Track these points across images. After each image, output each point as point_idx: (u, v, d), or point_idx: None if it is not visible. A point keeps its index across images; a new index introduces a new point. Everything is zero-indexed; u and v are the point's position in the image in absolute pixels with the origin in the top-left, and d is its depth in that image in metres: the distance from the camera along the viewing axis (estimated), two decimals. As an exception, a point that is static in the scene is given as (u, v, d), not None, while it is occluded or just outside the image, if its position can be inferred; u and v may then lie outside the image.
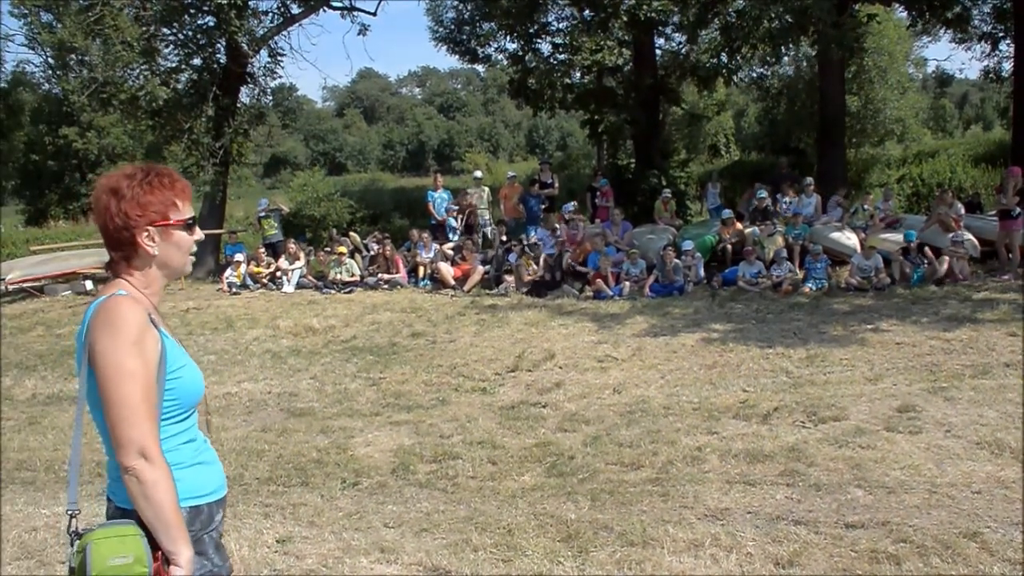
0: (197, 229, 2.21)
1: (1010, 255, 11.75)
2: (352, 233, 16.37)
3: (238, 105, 17.90)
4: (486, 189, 16.53)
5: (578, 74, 19.45)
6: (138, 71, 16.34)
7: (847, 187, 16.46)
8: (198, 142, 16.66)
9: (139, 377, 1.92)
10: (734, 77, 20.14)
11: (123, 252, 2.08)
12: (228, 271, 14.83)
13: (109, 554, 1.84)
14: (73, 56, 19.05)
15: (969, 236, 12.08)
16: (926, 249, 11.61)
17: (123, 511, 2.00)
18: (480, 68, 27.35)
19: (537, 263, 13.18)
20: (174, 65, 17.39)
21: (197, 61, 17.48)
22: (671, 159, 19.83)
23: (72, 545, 1.90)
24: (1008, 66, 19.37)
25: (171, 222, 2.10)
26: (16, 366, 9.98)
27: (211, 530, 2.13)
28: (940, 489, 4.78)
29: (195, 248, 2.21)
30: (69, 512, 1.98)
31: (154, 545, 1.92)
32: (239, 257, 14.73)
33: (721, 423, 6.30)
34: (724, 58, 18.42)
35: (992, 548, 4.02)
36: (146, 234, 2.07)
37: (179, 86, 17.39)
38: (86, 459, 6.28)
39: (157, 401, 1.98)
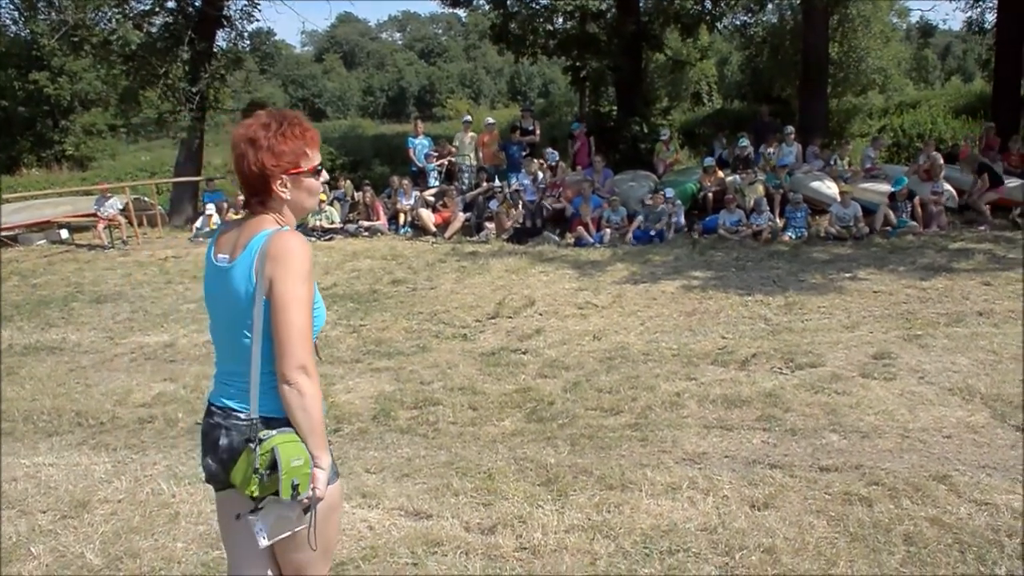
0: (324, 172, 2.40)
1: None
2: (348, 180, 16.08)
3: (214, 49, 17.52)
4: (474, 134, 16.33)
5: (561, 19, 19.14)
6: (110, 14, 15.92)
7: (825, 136, 16.44)
8: (174, 87, 16.35)
9: (306, 305, 2.17)
10: (717, 24, 19.96)
11: (259, 197, 2.29)
12: (200, 221, 14.68)
13: (291, 456, 2.13)
14: (42, -3, 18.45)
15: (948, 187, 12.15)
16: (916, 199, 11.64)
17: (266, 420, 2.22)
18: (462, 13, 26.85)
19: (518, 210, 13.14)
20: (147, 7, 16.94)
21: (171, 3, 17.06)
22: (653, 106, 19.68)
23: (255, 448, 2.15)
24: (991, 17, 19.25)
25: (302, 170, 2.29)
26: (-8, 314, 9.88)
27: None
28: (912, 434, 4.87)
29: (324, 190, 2.31)
30: (252, 419, 2.21)
31: None
32: (210, 208, 14.53)
33: (700, 369, 6.37)
34: (708, 4, 18.24)
35: (960, 490, 4.12)
36: (280, 182, 2.26)
37: (153, 29, 16.97)
38: (64, 408, 6.27)
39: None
